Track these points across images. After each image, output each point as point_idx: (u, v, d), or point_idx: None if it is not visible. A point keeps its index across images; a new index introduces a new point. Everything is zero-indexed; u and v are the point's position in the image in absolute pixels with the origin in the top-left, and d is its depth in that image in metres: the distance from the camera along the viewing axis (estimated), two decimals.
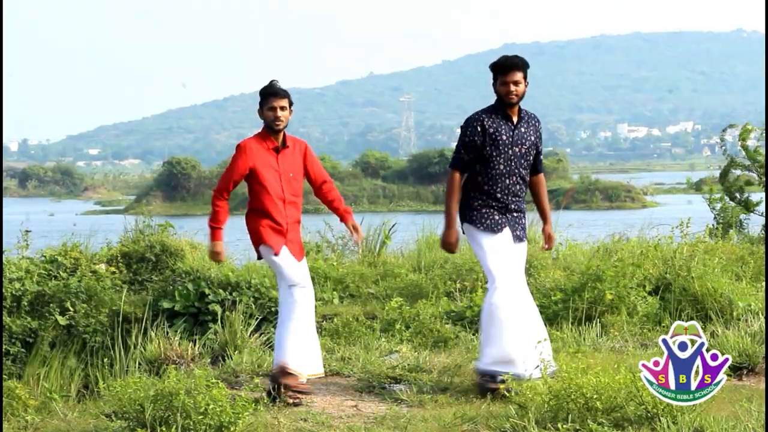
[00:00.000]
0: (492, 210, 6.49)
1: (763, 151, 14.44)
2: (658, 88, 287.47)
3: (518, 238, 6.56)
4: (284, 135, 6.57)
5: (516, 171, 6.52)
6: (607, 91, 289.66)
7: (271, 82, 6.58)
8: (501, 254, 6.43)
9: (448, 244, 6.55)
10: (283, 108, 6.48)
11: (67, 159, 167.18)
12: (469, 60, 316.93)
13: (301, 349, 6.39)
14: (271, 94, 6.49)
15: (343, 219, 6.77)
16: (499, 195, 6.50)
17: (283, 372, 6.37)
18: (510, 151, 6.49)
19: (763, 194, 14.36)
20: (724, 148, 14.89)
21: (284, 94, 6.51)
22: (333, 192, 6.74)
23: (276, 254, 6.43)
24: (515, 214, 6.56)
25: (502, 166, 6.49)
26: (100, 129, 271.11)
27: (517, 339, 6.33)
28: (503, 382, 6.16)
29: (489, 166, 6.49)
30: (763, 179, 14.33)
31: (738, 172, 14.89)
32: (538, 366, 6.14)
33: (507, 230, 6.50)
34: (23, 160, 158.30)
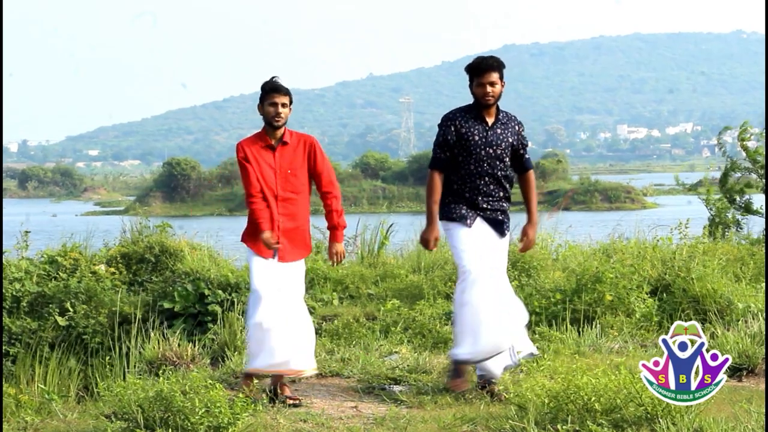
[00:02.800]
0: (460, 205, 6.50)
1: (762, 151, 14.44)
2: (657, 89, 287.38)
3: (493, 234, 6.51)
4: (284, 131, 6.54)
5: (488, 172, 6.50)
6: (607, 92, 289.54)
7: (273, 78, 6.57)
8: (471, 245, 6.40)
9: (425, 240, 6.53)
10: (283, 105, 6.46)
11: (67, 160, 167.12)
12: (468, 61, 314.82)
13: (259, 348, 6.34)
14: (272, 89, 6.47)
15: (330, 235, 6.68)
16: (467, 194, 6.49)
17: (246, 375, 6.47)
18: (483, 152, 6.48)
19: (763, 198, 14.36)
20: (723, 149, 14.84)
21: (285, 90, 6.49)
22: (333, 202, 6.61)
23: (254, 254, 6.42)
24: (488, 212, 6.52)
25: (471, 167, 6.49)
26: (99, 130, 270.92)
27: (491, 329, 6.33)
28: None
29: (459, 166, 6.50)
30: (763, 180, 14.33)
31: (738, 174, 14.89)
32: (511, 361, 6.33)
33: (478, 221, 6.47)
34: (23, 161, 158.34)
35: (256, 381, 6.51)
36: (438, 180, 6.52)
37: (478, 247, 6.40)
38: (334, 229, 6.63)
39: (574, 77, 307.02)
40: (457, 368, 6.49)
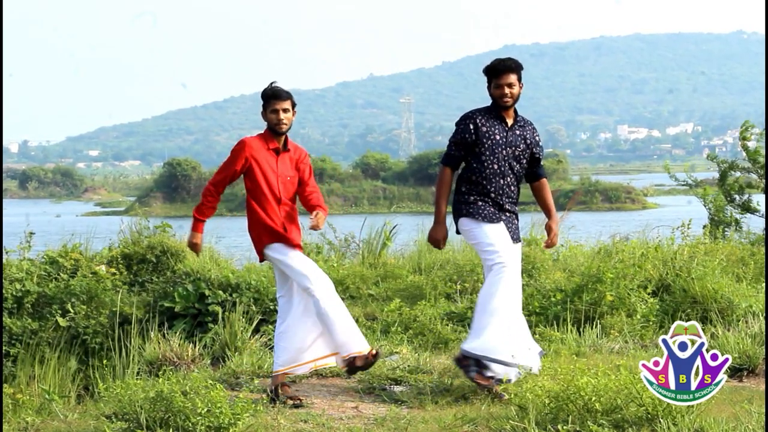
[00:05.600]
0: (487, 204, 6.49)
1: (762, 151, 14.45)
2: (658, 89, 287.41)
3: (513, 239, 6.54)
4: (286, 138, 6.56)
5: (509, 172, 6.52)
6: (607, 92, 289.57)
7: (272, 84, 6.57)
8: (501, 239, 6.39)
9: (435, 240, 6.52)
10: (285, 110, 6.46)
11: (67, 160, 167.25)
12: (469, 61, 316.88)
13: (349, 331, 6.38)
14: (273, 96, 6.47)
15: (315, 209, 6.54)
16: (492, 194, 6.50)
17: (278, 376, 6.44)
18: (504, 152, 6.49)
19: (763, 197, 14.36)
20: (745, 148, 14.78)
21: (286, 96, 6.49)
22: (319, 198, 6.60)
23: (285, 249, 6.41)
24: (508, 215, 6.55)
25: (495, 166, 6.49)
26: (100, 130, 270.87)
27: (506, 326, 6.31)
28: (492, 378, 6.30)
29: (483, 165, 6.49)
30: (763, 180, 14.33)
31: (737, 174, 14.90)
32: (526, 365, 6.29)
33: (503, 224, 6.49)
34: (23, 162, 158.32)
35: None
36: (449, 176, 6.52)
37: (506, 242, 6.40)
38: (318, 207, 6.51)
39: (575, 77, 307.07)
40: (477, 363, 6.41)
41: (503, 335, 6.31)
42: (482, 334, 6.33)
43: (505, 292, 6.31)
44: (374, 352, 6.38)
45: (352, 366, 6.36)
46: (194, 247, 6.57)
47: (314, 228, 6.42)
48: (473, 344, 6.35)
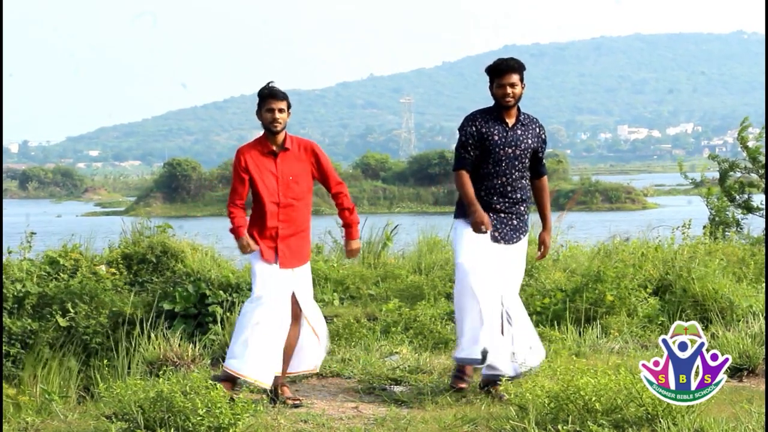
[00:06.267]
0: None
1: (762, 150, 14.45)
2: (658, 89, 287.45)
3: (498, 239, 6.47)
4: (285, 137, 6.53)
5: (506, 172, 6.50)
6: (608, 92, 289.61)
7: (269, 84, 6.55)
8: (467, 245, 6.39)
9: (477, 223, 6.35)
10: (281, 110, 6.43)
11: (68, 160, 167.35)
12: (469, 61, 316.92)
13: (249, 355, 6.27)
14: (268, 96, 6.45)
15: (345, 232, 6.68)
16: (483, 194, 6.48)
17: (225, 374, 6.35)
18: (501, 152, 6.48)
19: (763, 196, 14.36)
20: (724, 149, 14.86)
21: (282, 96, 6.47)
22: (345, 201, 6.59)
23: (258, 259, 6.41)
24: (502, 215, 6.50)
25: (490, 167, 6.48)
26: (100, 130, 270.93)
27: (479, 320, 6.29)
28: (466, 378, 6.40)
29: (477, 167, 6.49)
30: (764, 180, 14.33)
31: (738, 174, 14.90)
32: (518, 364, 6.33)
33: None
34: (23, 162, 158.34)
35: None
36: (466, 176, 6.47)
37: (479, 247, 6.39)
38: (349, 227, 6.62)
39: (575, 78, 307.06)
40: (459, 368, 6.48)
41: (476, 335, 6.30)
42: (461, 339, 6.37)
43: (466, 293, 6.32)
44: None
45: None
46: (243, 248, 6.45)
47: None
48: (458, 351, 6.40)
